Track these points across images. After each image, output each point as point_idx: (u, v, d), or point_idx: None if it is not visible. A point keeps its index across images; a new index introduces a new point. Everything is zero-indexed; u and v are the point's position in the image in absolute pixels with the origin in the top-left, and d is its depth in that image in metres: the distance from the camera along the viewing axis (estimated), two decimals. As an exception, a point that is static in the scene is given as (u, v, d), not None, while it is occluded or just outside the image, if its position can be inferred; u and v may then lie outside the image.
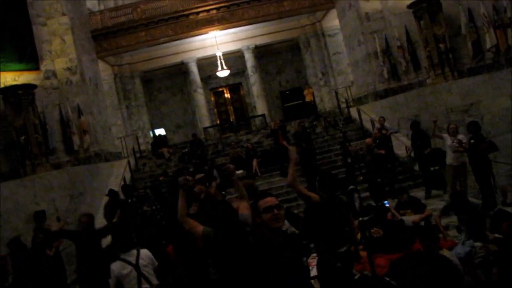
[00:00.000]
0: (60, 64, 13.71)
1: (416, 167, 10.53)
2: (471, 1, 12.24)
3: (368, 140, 9.29)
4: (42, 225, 8.81)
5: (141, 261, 4.55)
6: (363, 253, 6.19)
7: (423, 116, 11.65)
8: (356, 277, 5.43)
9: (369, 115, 13.22)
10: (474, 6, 12.16)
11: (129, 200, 9.30)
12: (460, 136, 8.37)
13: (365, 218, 6.50)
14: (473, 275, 5.12)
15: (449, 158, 8.36)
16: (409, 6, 12.71)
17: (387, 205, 6.33)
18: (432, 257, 5.00)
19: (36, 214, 9.85)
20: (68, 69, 13.76)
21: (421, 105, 12.01)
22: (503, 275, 4.72)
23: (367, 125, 13.42)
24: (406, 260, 5.46)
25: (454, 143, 7.99)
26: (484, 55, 12.23)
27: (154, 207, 7.50)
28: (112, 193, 9.70)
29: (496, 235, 5.93)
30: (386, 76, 13.84)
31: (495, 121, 10.98)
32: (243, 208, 4.14)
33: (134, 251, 4.65)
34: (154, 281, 4.56)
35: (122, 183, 12.54)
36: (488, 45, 12.00)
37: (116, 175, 13.42)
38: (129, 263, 4.52)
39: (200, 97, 19.89)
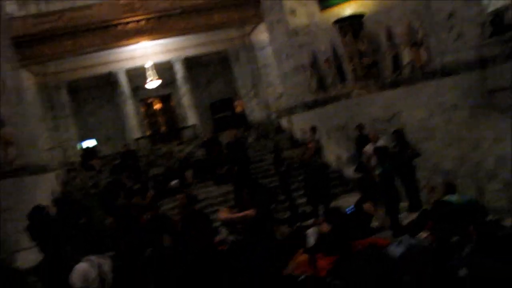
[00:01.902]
0: (-23, 73, 12.98)
1: (348, 173, 11.15)
2: (390, 21, 13.21)
3: (310, 145, 9.62)
4: None
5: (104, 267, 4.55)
6: (304, 257, 6.52)
7: (350, 125, 12.35)
8: (299, 279, 5.73)
9: (299, 124, 13.78)
10: (393, 24, 13.14)
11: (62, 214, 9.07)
12: (381, 142, 9.04)
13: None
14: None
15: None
16: (335, 23, 13.49)
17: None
18: (373, 256, 5.31)
19: None
20: (-12, 77, 13.05)
21: (348, 116, 12.74)
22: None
23: (297, 135, 13.98)
24: (347, 260, 5.82)
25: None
26: (402, 70, 13.22)
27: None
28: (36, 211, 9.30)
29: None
30: (314, 87, 14.49)
31: (414, 130, 11.89)
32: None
33: (96, 257, 4.61)
34: None
35: (51, 197, 12.12)
36: (405, 61, 12.99)
37: (44, 188, 12.88)
38: (95, 265, 4.51)
39: (130, 108, 19.59)
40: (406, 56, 12.87)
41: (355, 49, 13.28)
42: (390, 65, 13.31)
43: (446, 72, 11.55)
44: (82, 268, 4.64)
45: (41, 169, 14.05)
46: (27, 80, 17.21)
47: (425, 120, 11.90)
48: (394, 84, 13.03)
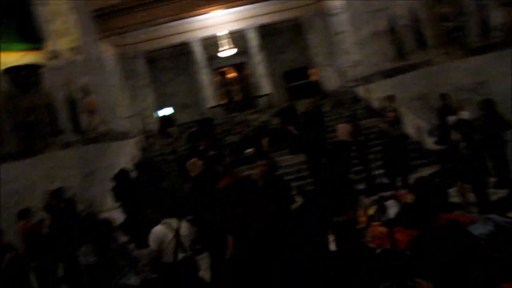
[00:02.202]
0: (63, 44, 13.59)
1: (428, 145, 10.59)
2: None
3: (391, 114, 9.19)
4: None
5: (181, 232, 4.65)
6: (382, 229, 6.31)
7: (431, 94, 11.69)
8: (376, 252, 5.56)
9: (376, 94, 13.25)
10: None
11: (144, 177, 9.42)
12: (465, 113, 8.45)
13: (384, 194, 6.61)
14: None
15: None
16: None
17: None
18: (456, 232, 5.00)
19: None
20: (72, 49, 13.66)
21: (429, 84, 12.04)
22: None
23: (375, 104, 13.48)
24: (428, 235, 5.54)
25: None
26: (491, 33, 12.20)
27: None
28: (121, 174, 9.78)
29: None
30: (392, 55, 13.82)
31: (504, 100, 11.02)
32: None
33: (175, 220, 4.72)
34: (189, 253, 4.68)
35: (132, 162, 12.66)
36: (496, 23, 11.96)
37: (125, 154, 13.50)
38: (172, 230, 4.61)
39: (205, 77, 19.87)
40: (497, 17, 11.84)
41: (437, 12, 12.41)
42: (477, 28, 12.32)
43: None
44: (158, 230, 4.79)
45: (122, 136, 14.72)
46: (107, 51, 17.90)
47: (516, 90, 10.99)
48: (482, 49, 12.09)
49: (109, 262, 4.99)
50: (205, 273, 6.37)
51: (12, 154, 11.75)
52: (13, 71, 11.84)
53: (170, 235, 4.64)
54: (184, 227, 4.73)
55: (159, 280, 5.01)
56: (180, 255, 4.64)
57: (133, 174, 10.05)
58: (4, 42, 12.42)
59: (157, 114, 19.62)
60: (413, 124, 11.59)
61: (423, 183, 6.35)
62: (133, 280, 5.00)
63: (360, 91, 14.92)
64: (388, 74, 13.88)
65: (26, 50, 12.98)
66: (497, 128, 7.83)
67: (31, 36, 13.06)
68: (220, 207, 6.27)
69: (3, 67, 11.98)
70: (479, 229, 5.60)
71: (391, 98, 11.67)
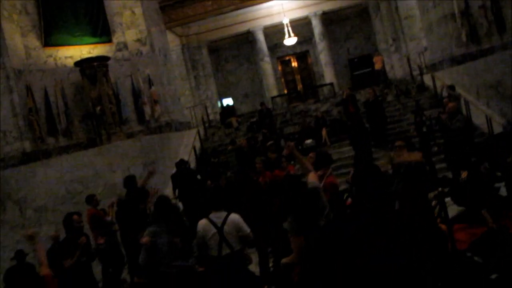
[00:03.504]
0: (130, 36, 14.00)
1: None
2: None
3: (451, 105, 8.63)
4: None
5: (225, 227, 4.56)
6: (443, 227, 5.91)
7: (506, 82, 10.81)
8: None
9: (442, 82, 12.49)
10: None
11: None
12: None
13: (445, 190, 6.19)
14: None
15: None
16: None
17: None
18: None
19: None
20: (138, 40, 14.03)
21: (504, 70, 11.13)
22: None
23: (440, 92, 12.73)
24: (491, 236, 5.14)
25: None
26: None
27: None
28: (181, 163, 9.97)
29: None
30: (464, 39, 12.89)
31: None
32: (311, 178, 4.58)
33: (224, 213, 4.65)
34: (237, 247, 4.59)
35: (193, 152, 12.86)
36: None
37: (186, 144, 13.73)
38: (214, 224, 4.56)
39: (267, 66, 19.77)
40: None
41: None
42: None
43: None
44: (201, 223, 4.76)
45: (184, 126, 14.97)
46: (172, 41, 18.27)
47: None
48: None
49: (177, 244, 5.07)
50: (255, 267, 6.32)
51: (79, 144, 12.32)
52: (83, 64, 12.33)
53: (213, 229, 4.57)
54: (232, 221, 4.61)
55: (205, 273, 4.99)
56: (226, 251, 4.55)
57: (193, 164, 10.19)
58: (77, 36, 12.99)
59: (219, 103, 19.80)
60: (484, 114, 10.79)
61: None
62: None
63: (427, 79, 14.14)
64: (459, 60, 13.00)
65: (96, 43, 13.47)
66: None
67: (101, 30, 13.54)
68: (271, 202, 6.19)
69: (74, 61, 12.53)
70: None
71: (451, 88, 10.97)
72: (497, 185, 7.53)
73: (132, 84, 13.60)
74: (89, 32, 13.28)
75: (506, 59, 11.18)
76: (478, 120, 10.87)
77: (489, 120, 10.19)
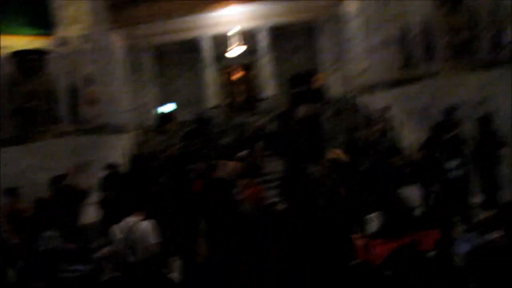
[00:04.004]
0: (73, 32, 13.54)
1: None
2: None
3: (377, 127, 9.05)
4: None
5: (132, 234, 4.47)
6: (361, 242, 6.13)
7: (434, 108, 11.41)
8: (351, 264, 5.39)
9: (375, 104, 13.03)
10: (497, -2, 11.79)
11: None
12: None
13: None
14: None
15: None
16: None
17: None
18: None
19: None
20: (81, 37, 13.62)
21: (432, 97, 11.78)
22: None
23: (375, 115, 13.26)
24: (401, 251, 5.37)
25: None
26: (502, 49, 11.87)
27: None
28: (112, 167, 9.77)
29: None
30: (400, 64, 13.57)
31: (506, 118, 10.74)
32: None
33: (134, 219, 4.53)
34: (131, 259, 4.51)
35: (127, 156, 12.61)
36: (508, 38, 11.61)
37: (120, 148, 13.43)
38: (123, 230, 4.47)
39: (210, 75, 19.80)
40: (510, 33, 11.50)
41: (451, 24, 12.11)
42: (488, 43, 12.00)
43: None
44: (113, 229, 4.68)
45: (120, 129, 14.66)
46: (116, 42, 17.89)
47: (521, 108, 10.67)
48: (490, 65, 11.78)
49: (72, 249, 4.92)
50: (176, 275, 6.26)
51: (7, 140, 11.74)
52: (19, 55, 11.81)
53: (121, 235, 4.50)
54: (140, 229, 4.54)
55: (123, 278, 4.90)
56: (136, 257, 4.49)
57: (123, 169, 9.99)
58: (13, 26, 12.42)
59: (158, 109, 19.55)
60: (411, 137, 11.34)
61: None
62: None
63: (363, 100, 14.69)
64: (393, 84, 13.64)
65: (36, 35, 12.95)
66: (491, 146, 7.58)
67: (42, 21, 13.03)
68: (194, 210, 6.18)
69: (10, 51, 11.97)
70: (460, 247, 5.45)
71: (384, 109, 11.50)
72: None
73: (70, 81, 13.16)
74: (29, 23, 12.75)
75: (434, 87, 11.86)
76: (406, 142, 11.39)
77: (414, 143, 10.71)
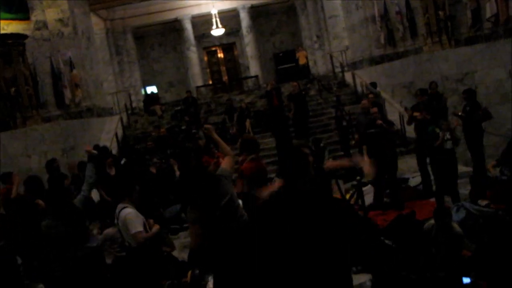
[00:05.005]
0: (51, 15, 13.29)
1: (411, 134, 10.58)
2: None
3: (364, 101, 9.23)
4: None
5: (119, 221, 4.36)
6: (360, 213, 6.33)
7: (418, 83, 11.64)
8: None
9: (363, 80, 13.19)
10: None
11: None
12: None
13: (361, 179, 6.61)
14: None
15: None
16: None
17: None
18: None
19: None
20: (60, 20, 13.36)
21: (416, 72, 12.02)
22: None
23: (361, 90, 13.44)
24: (400, 222, 5.60)
25: None
26: (482, 25, 12.14)
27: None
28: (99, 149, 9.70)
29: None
30: (382, 41, 13.75)
31: (489, 92, 11.05)
32: (225, 163, 4.31)
33: (121, 206, 4.39)
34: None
35: (115, 138, 12.55)
36: (487, 15, 11.86)
37: (107, 131, 13.34)
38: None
39: (193, 55, 19.67)
40: (489, 9, 11.73)
41: (431, 0, 12.29)
42: (469, 18, 12.23)
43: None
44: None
45: (106, 112, 14.55)
46: (96, 24, 17.60)
47: (502, 82, 11.00)
48: (471, 41, 12.04)
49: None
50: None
51: (-9, 126, 11.55)
52: (-3, 40, 11.53)
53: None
54: (122, 217, 4.38)
55: (127, 259, 4.91)
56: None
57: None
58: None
59: (143, 91, 19.39)
60: (398, 111, 11.57)
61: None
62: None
63: (348, 76, 14.85)
64: (377, 60, 13.83)
65: (12, 19, 12.66)
66: (477, 118, 7.82)
67: (17, 6, 12.73)
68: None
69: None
70: (453, 216, 5.69)
71: (373, 85, 11.69)
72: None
73: (52, 66, 12.96)
74: (5, 7, 12.43)
75: (418, 63, 12.08)
76: (392, 116, 11.58)
77: (401, 117, 10.93)
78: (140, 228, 4.26)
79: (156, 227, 4.53)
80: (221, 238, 3.79)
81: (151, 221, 4.62)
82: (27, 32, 12.49)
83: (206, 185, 3.97)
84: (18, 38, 11.77)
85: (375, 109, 7.48)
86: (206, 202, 3.93)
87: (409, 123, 8.29)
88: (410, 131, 9.72)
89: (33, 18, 13.02)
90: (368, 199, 6.90)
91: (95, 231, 6.38)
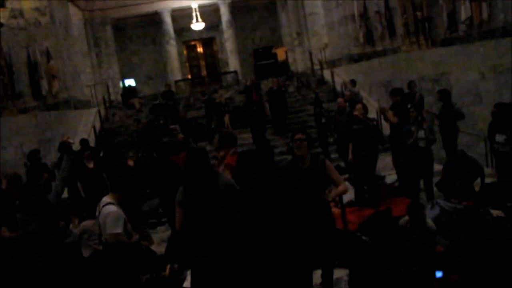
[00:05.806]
0: (28, 3, 13.00)
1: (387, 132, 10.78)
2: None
3: (340, 100, 9.41)
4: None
5: (100, 217, 4.23)
6: (336, 210, 6.44)
7: (395, 82, 11.86)
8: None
9: (342, 77, 13.35)
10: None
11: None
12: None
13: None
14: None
15: None
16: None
17: None
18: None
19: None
20: (37, 9, 13.11)
21: (394, 72, 12.24)
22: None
23: (340, 88, 13.59)
24: (377, 218, 5.74)
25: None
26: (458, 27, 12.42)
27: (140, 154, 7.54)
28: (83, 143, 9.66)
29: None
30: (361, 40, 13.93)
31: (463, 93, 11.33)
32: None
33: (104, 201, 4.32)
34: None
35: (92, 131, 12.42)
36: (462, 17, 12.15)
37: (85, 123, 13.21)
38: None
39: (173, 49, 19.57)
40: (464, 12, 12.02)
41: (409, 1, 12.53)
42: (445, 20, 12.51)
43: (507, 31, 10.75)
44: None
45: (83, 104, 14.37)
46: (74, 15, 17.31)
47: (475, 83, 11.31)
48: (447, 42, 12.34)
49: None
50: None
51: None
52: (-30, 29, 11.29)
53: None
54: (102, 214, 4.28)
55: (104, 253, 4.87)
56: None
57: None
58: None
59: (121, 84, 19.20)
60: (375, 110, 11.76)
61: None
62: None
63: (326, 74, 15.00)
64: (355, 59, 14.02)
65: (-14, 7, 12.36)
66: (451, 117, 8.05)
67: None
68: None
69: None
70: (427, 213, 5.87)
71: (353, 82, 11.85)
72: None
73: (28, 56, 12.72)
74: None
75: (396, 62, 12.32)
76: (370, 115, 11.78)
77: (379, 115, 11.10)
78: (119, 230, 4.06)
79: (135, 237, 4.42)
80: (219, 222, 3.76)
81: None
82: (2, 21, 12.19)
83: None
84: (-8, 26, 11.55)
85: (359, 105, 7.59)
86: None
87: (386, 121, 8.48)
88: (387, 128, 9.91)
89: (8, 5, 12.68)
90: (347, 196, 7.02)
91: (76, 222, 6.37)
